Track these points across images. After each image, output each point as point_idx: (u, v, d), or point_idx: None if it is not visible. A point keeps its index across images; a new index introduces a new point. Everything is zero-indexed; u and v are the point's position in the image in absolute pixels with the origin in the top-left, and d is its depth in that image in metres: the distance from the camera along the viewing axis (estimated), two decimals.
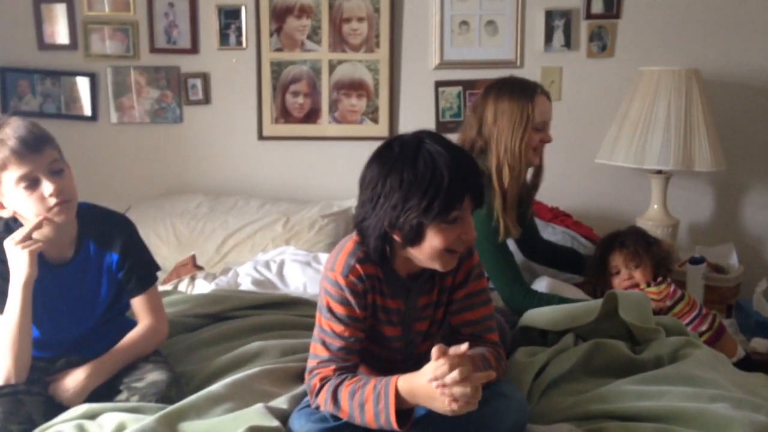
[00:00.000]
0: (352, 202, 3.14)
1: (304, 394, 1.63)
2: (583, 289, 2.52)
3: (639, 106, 3.03)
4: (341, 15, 3.21)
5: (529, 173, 2.39)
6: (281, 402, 1.57)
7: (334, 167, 3.32)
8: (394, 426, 1.44)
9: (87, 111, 3.25)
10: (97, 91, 3.24)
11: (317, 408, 1.54)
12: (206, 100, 3.27)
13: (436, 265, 1.58)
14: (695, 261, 2.86)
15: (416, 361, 1.57)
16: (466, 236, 1.54)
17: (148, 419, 1.43)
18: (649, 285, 2.40)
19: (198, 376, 1.74)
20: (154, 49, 3.22)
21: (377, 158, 1.58)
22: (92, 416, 1.49)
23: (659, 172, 3.10)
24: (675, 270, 2.80)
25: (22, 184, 1.69)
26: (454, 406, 1.39)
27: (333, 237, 2.96)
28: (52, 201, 1.69)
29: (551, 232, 2.85)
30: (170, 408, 1.47)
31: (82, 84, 3.22)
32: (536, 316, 2.10)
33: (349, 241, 1.64)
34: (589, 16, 3.28)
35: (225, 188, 3.29)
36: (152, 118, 3.27)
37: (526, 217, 2.46)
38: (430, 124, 3.30)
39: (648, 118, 2.98)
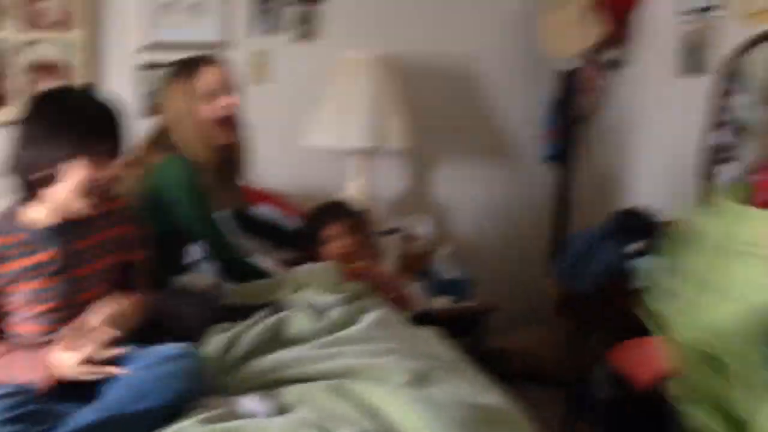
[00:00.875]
0: None
1: None
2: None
3: (340, 89, 3.21)
4: None
5: None
6: None
7: None
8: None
9: None
10: None
11: None
12: None
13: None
14: (391, 232, 3.15)
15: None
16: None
17: None
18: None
19: None
20: None
21: None
22: None
23: (356, 151, 3.30)
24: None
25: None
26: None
27: None
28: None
29: (258, 213, 2.94)
30: None
31: None
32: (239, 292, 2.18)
33: None
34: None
35: None
36: None
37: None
38: (135, 109, 3.19)
39: (347, 101, 3.17)
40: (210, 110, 2.26)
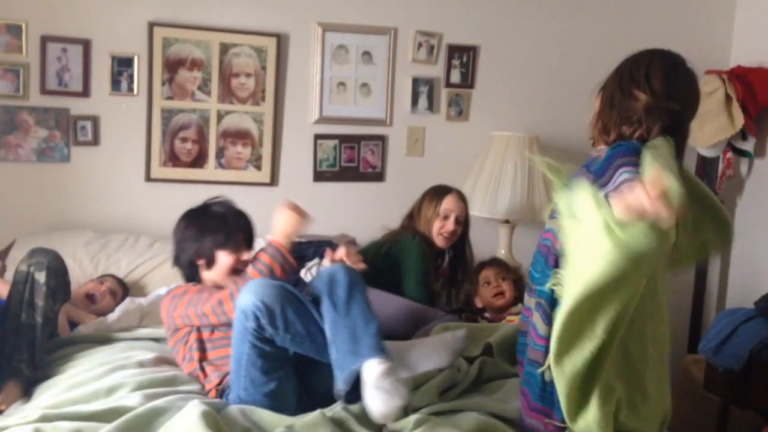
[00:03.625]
0: None
1: (220, 402, 1.97)
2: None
3: (491, 164, 3.54)
4: (230, 70, 3.49)
5: None
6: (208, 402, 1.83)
7: None
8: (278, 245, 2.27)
9: None
10: None
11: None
12: (95, 141, 3.41)
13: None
14: None
15: None
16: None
17: (105, 427, 1.62)
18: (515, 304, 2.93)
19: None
20: (44, 91, 3.33)
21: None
22: (48, 420, 1.65)
23: (506, 221, 3.61)
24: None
25: None
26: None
27: None
28: None
29: None
30: (126, 417, 1.67)
31: None
32: None
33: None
34: (448, 84, 3.78)
35: (112, 226, 3.42)
36: (39, 156, 3.36)
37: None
38: (308, 173, 3.65)
39: (498, 175, 3.50)
40: (440, 225, 2.99)
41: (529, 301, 1.90)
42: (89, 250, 3.17)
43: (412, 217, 3.07)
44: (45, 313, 2.30)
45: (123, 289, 3.03)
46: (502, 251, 3.68)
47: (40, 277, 2.33)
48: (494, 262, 3.28)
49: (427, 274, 2.91)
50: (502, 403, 1.94)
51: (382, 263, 2.88)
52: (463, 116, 3.84)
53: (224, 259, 2.40)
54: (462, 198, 3.08)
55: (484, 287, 3.16)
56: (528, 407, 1.84)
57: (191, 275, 2.47)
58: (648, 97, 1.84)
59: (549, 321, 1.82)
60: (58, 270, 2.41)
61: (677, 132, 1.88)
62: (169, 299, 2.34)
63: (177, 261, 2.49)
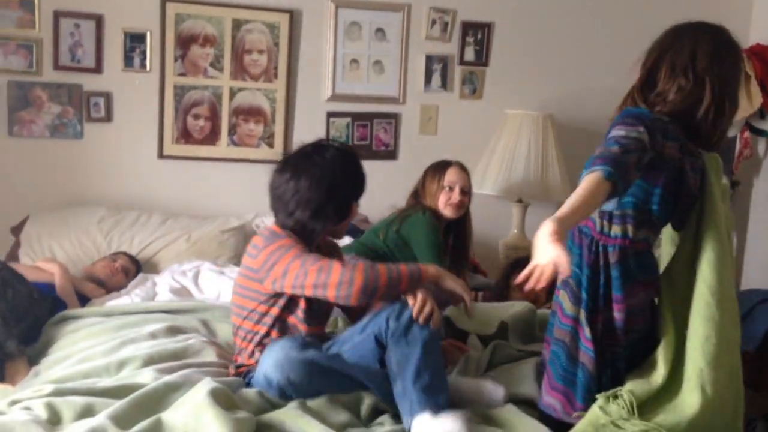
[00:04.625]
0: (249, 217, 3.39)
1: (237, 381, 1.93)
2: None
3: (504, 143, 3.52)
4: (243, 46, 3.47)
5: None
6: (221, 380, 1.83)
7: (231, 187, 3.56)
8: (425, 272, 1.91)
9: None
10: None
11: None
12: (108, 118, 3.41)
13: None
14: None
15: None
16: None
17: (117, 403, 1.63)
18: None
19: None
20: (57, 67, 3.33)
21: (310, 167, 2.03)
22: (61, 394, 1.66)
23: (519, 200, 3.59)
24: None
25: None
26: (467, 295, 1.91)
27: (234, 250, 3.20)
28: None
29: None
30: (137, 393, 1.68)
31: None
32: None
33: (272, 228, 2.05)
34: (462, 62, 3.75)
35: (125, 203, 3.43)
36: (52, 132, 3.37)
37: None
38: None
39: (512, 155, 3.48)
40: (446, 197, 2.95)
41: (559, 279, 1.89)
42: (102, 227, 3.18)
43: (417, 194, 3.06)
44: None
45: (135, 266, 3.04)
46: (515, 230, 3.67)
47: None
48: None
49: (441, 247, 2.91)
50: (518, 385, 1.94)
51: (394, 241, 2.88)
52: (477, 94, 3.80)
53: (354, 210, 2.12)
54: (464, 169, 3.05)
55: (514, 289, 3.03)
56: (549, 385, 1.84)
57: (302, 232, 2.02)
58: (690, 84, 1.80)
59: (576, 300, 1.81)
60: None
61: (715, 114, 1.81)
62: (276, 248, 1.92)
63: (290, 216, 2.00)
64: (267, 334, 1.97)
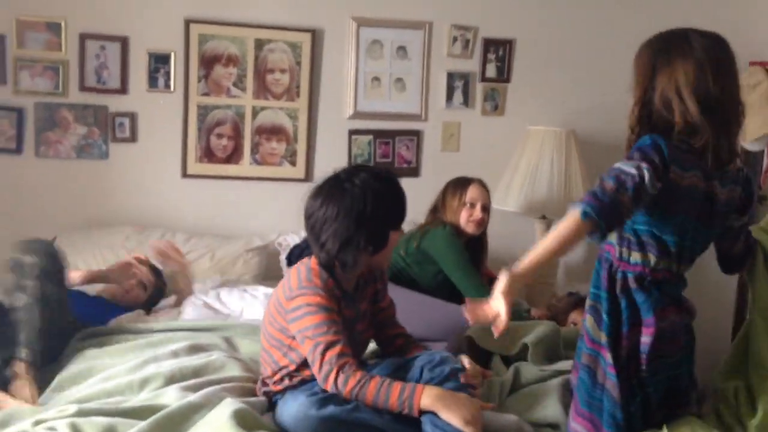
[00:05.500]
0: (273, 236, 3.40)
1: (261, 402, 1.92)
2: None
3: (527, 160, 3.50)
4: (265, 66, 3.50)
5: None
6: (245, 401, 1.82)
7: (254, 205, 3.58)
8: (417, 403, 1.73)
9: (12, 144, 3.35)
10: (23, 125, 3.35)
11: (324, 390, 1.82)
12: (133, 138, 3.45)
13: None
14: (571, 295, 3.32)
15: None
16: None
17: (140, 424, 1.63)
18: None
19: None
20: (83, 88, 3.38)
21: (335, 196, 1.93)
22: (85, 415, 1.67)
23: (543, 217, 3.56)
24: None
25: None
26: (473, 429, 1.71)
27: (258, 270, 3.22)
28: None
29: None
30: (160, 414, 1.68)
31: (10, 118, 3.33)
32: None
33: (311, 263, 1.96)
34: (483, 79, 3.74)
35: (149, 222, 3.45)
36: (78, 153, 3.41)
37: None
38: None
39: (534, 171, 3.46)
40: (468, 214, 2.96)
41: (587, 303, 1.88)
42: (128, 245, 3.20)
43: (436, 210, 3.04)
44: (34, 293, 2.21)
45: (157, 279, 2.97)
46: None
47: (27, 258, 2.27)
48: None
49: (467, 258, 2.90)
50: (542, 409, 1.91)
51: (413, 256, 2.87)
52: (499, 111, 3.79)
53: (393, 239, 1.99)
54: (484, 186, 3.06)
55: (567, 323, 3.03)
56: (575, 411, 1.81)
57: (330, 262, 1.94)
58: (678, 86, 1.74)
59: (601, 324, 1.79)
60: (49, 253, 2.34)
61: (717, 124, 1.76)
62: (305, 304, 1.87)
63: (323, 248, 1.91)
64: (297, 371, 1.93)
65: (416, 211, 3.42)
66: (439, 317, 2.62)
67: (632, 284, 1.78)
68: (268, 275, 3.34)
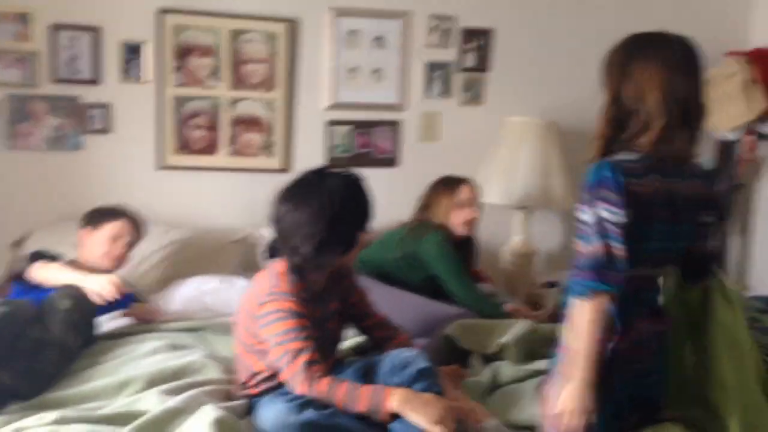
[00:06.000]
0: (251, 229, 3.37)
1: (241, 405, 1.90)
2: None
3: (506, 150, 3.50)
4: (242, 56, 3.45)
5: None
6: (225, 406, 1.81)
7: (232, 196, 3.54)
8: (385, 407, 1.73)
9: None
10: None
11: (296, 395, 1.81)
12: (107, 129, 3.39)
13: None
14: (551, 284, 3.35)
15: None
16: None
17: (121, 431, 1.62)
18: None
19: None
20: (55, 79, 3.31)
21: (309, 198, 1.92)
22: (65, 422, 1.65)
23: (522, 207, 3.57)
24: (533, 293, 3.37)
25: (110, 235, 2.73)
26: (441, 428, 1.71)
27: (236, 264, 3.19)
28: (113, 253, 2.73)
29: None
30: (140, 421, 1.67)
31: None
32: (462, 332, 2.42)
33: (279, 268, 1.93)
34: (462, 69, 3.72)
35: None
36: (51, 145, 3.35)
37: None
38: (321, 159, 3.61)
39: (513, 162, 3.46)
40: (460, 215, 2.96)
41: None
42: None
43: (424, 209, 3.03)
44: (56, 338, 2.15)
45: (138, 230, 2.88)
46: (517, 238, 3.65)
47: (62, 303, 2.23)
48: None
49: (462, 265, 2.91)
50: (519, 411, 1.92)
51: (405, 260, 2.87)
52: (478, 101, 3.78)
53: (361, 239, 2.03)
54: (475, 186, 3.06)
55: None
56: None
57: (303, 265, 1.94)
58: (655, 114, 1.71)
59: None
60: (84, 307, 2.31)
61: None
62: (275, 310, 1.87)
63: (295, 252, 1.92)
64: (273, 376, 1.93)
65: (395, 202, 3.44)
66: (422, 315, 2.63)
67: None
68: (248, 268, 3.32)
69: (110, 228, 2.75)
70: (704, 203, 1.85)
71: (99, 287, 2.36)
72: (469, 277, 2.92)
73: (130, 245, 2.78)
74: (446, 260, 2.86)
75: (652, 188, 1.72)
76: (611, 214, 1.65)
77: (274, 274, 1.95)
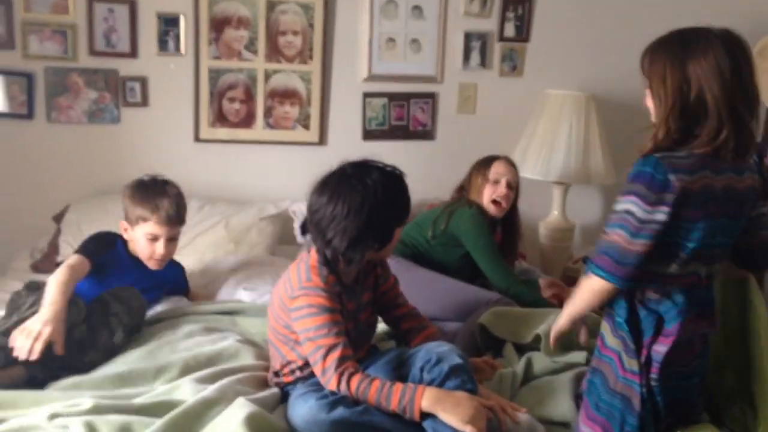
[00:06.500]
0: (287, 204, 3.37)
1: (274, 395, 1.93)
2: None
3: (545, 125, 3.42)
4: (277, 28, 3.41)
5: None
6: (257, 398, 1.83)
7: (267, 169, 3.55)
8: (417, 407, 1.73)
9: (23, 109, 3.32)
10: (33, 90, 3.31)
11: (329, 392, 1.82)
12: (144, 102, 3.40)
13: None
14: (587, 260, 3.29)
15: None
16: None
17: (156, 423, 1.65)
18: None
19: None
20: (93, 52, 3.31)
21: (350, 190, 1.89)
22: (99, 412, 1.69)
23: (560, 182, 3.51)
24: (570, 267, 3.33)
25: (148, 237, 2.48)
26: (472, 428, 1.70)
27: (272, 238, 3.21)
28: (156, 256, 2.50)
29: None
30: (175, 413, 1.70)
31: (20, 83, 3.29)
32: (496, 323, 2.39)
33: (310, 260, 1.93)
34: (502, 38, 3.63)
35: None
36: (89, 118, 3.38)
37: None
38: (357, 132, 3.58)
39: (552, 137, 3.38)
40: (491, 191, 2.88)
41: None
42: None
43: (462, 189, 2.99)
44: (102, 343, 2.13)
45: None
46: (556, 212, 3.59)
47: (115, 307, 2.21)
48: None
49: (494, 241, 2.84)
50: (555, 407, 1.91)
51: (439, 240, 2.83)
52: (517, 71, 3.69)
53: (397, 234, 1.98)
54: (512, 163, 2.98)
55: None
56: (586, 415, 1.80)
57: (335, 258, 1.93)
58: (681, 86, 1.66)
59: (616, 333, 1.77)
60: (137, 312, 2.28)
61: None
62: (306, 305, 1.86)
63: (328, 245, 1.89)
64: (305, 365, 1.94)
65: (431, 176, 3.43)
66: (458, 299, 2.60)
67: (654, 294, 1.74)
68: (283, 242, 3.34)
69: (145, 229, 2.49)
70: (758, 195, 1.80)
71: (28, 336, 2.00)
72: (500, 256, 2.84)
73: (172, 240, 2.57)
74: (476, 234, 2.78)
75: (703, 184, 1.67)
76: (638, 208, 1.65)
77: (305, 267, 1.94)
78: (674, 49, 1.72)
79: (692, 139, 1.68)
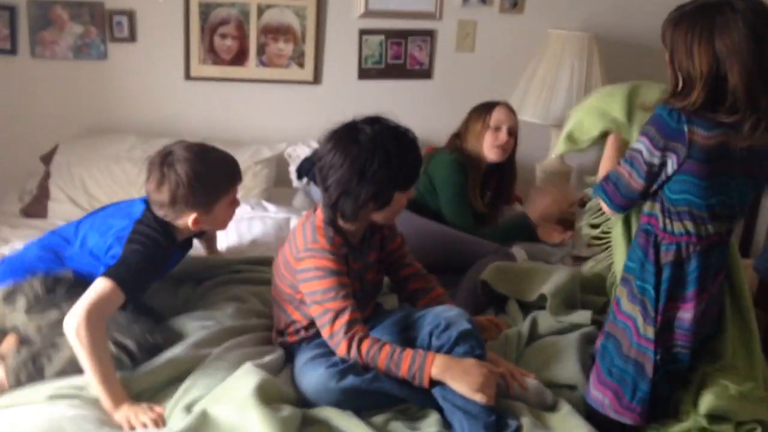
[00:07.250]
0: (282, 146, 3.30)
1: (279, 358, 1.93)
2: None
3: (546, 66, 3.34)
4: None
5: None
6: (263, 363, 1.84)
7: (261, 108, 3.46)
8: (427, 374, 1.74)
9: (6, 44, 3.18)
10: (16, 24, 3.17)
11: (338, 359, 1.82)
12: (132, 38, 3.27)
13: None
14: (584, 204, 3.28)
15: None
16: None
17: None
18: None
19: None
20: None
21: (347, 145, 1.85)
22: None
23: (559, 126, 3.44)
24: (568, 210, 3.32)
25: (229, 203, 2.13)
26: (482, 396, 1.71)
27: (267, 182, 3.15)
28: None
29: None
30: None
31: (2, 16, 3.14)
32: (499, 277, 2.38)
33: (316, 220, 1.90)
34: None
35: (152, 128, 3.35)
36: (75, 53, 3.25)
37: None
38: (353, 71, 3.48)
39: (553, 79, 3.30)
40: (492, 138, 2.81)
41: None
42: (132, 155, 3.10)
43: (458, 136, 2.91)
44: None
45: None
46: (552, 155, 3.55)
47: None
48: None
49: (463, 188, 2.79)
50: (561, 369, 1.92)
51: (424, 184, 2.78)
52: (518, 8, 3.57)
53: (399, 199, 1.93)
54: (512, 110, 2.92)
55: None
56: (597, 379, 1.82)
57: (336, 213, 1.91)
58: (711, 64, 1.61)
59: (633, 298, 1.77)
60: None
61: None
62: (313, 267, 1.84)
63: (326, 190, 1.88)
64: (310, 326, 1.92)
65: (428, 115, 3.36)
66: (457, 249, 2.58)
67: (678, 256, 1.73)
68: (279, 185, 3.29)
69: (230, 198, 2.16)
70: None
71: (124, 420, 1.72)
72: (467, 206, 2.79)
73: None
74: (447, 179, 2.75)
75: (719, 141, 1.64)
76: (646, 150, 1.70)
77: (310, 227, 1.91)
78: (692, 24, 1.66)
79: (718, 107, 1.64)
